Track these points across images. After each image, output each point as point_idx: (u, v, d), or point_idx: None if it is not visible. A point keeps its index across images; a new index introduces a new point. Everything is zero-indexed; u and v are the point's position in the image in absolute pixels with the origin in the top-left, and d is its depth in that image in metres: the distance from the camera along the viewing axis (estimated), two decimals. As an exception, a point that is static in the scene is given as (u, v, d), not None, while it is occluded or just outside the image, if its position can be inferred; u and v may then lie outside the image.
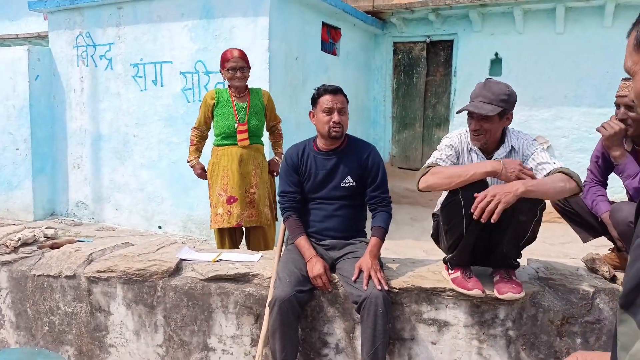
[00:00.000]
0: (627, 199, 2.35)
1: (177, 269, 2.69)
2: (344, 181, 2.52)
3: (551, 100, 7.30)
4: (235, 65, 3.30)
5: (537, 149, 2.23)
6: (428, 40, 8.08)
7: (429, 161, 2.30)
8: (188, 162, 3.59)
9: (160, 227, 6.18)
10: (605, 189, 2.50)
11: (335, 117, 2.44)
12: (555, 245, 5.54)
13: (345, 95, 2.52)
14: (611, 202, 2.40)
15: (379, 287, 2.19)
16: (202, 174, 3.57)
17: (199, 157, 3.59)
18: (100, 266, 2.78)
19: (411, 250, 5.48)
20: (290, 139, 4.46)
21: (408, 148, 8.67)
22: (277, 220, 3.58)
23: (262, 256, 2.82)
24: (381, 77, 8.54)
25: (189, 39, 5.64)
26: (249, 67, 3.41)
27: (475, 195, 2.01)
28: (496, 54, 7.57)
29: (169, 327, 2.68)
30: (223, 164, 3.41)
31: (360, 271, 2.28)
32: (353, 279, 2.27)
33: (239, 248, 3.52)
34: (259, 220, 3.44)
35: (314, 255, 2.38)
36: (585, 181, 2.53)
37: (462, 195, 2.10)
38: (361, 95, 8.19)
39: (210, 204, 3.51)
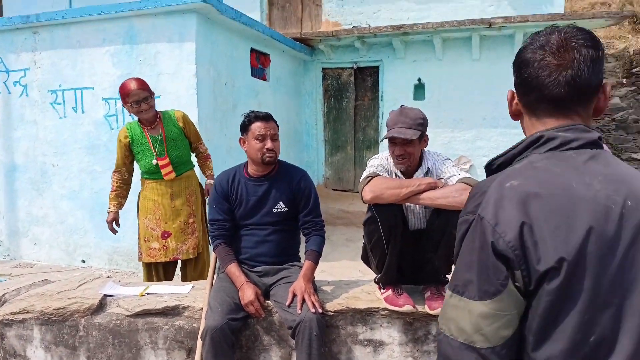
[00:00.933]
0: None
1: (101, 306, 2.53)
2: (275, 207, 2.50)
3: (471, 122, 7.75)
4: (138, 98, 3.05)
5: (446, 166, 2.34)
6: (355, 67, 8.35)
7: (368, 172, 2.31)
8: (108, 211, 3.33)
9: (83, 262, 5.81)
10: None
11: (269, 144, 2.44)
12: (482, 259, 5.81)
13: (275, 122, 2.53)
14: None
15: (313, 311, 2.17)
16: (111, 227, 3.30)
17: (118, 204, 3.33)
18: (14, 307, 2.56)
19: (347, 270, 5.52)
20: (222, 164, 4.39)
21: (341, 170, 8.82)
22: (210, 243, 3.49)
23: (193, 287, 2.72)
24: (312, 101, 8.69)
25: (111, 65, 5.45)
26: (152, 95, 3.17)
27: None
28: (419, 80, 7.95)
29: (92, 369, 2.50)
30: (152, 197, 3.27)
31: (294, 295, 2.26)
32: (287, 303, 2.24)
33: (171, 280, 3.38)
34: (196, 251, 3.34)
35: (245, 282, 2.33)
36: None
37: (377, 212, 2.16)
38: (293, 119, 8.26)
39: (139, 236, 3.33)
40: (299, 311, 2.18)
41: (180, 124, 3.32)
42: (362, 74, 8.44)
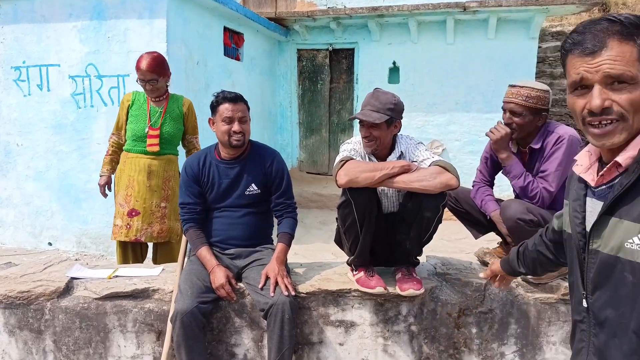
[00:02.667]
0: (514, 197, 2.55)
1: (67, 289, 2.47)
2: (248, 189, 2.47)
3: (444, 106, 7.81)
4: (144, 78, 3.08)
5: (419, 149, 2.35)
6: (330, 48, 8.28)
7: (342, 155, 2.29)
8: (100, 175, 3.32)
9: (50, 244, 5.66)
10: (492, 188, 2.70)
11: (236, 126, 2.37)
12: (452, 241, 5.90)
13: (246, 102, 2.46)
14: (499, 200, 2.59)
15: (286, 293, 2.17)
16: (102, 190, 3.31)
17: (112, 169, 3.31)
18: (-25, 291, 2.47)
19: (321, 253, 5.54)
20: (193, 145, 4.31)
21: (315, 153, 8.80)
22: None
23: (163, 269, 2.68)
24: (286, 83, 8.60)
25: (78, 41, 5.25)
26: (162, 76, 3.14)
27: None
28: (394, 63, 7.95)
29: (60, 352, 2.45)
30: (128, 172, 3.19)
31: (267, 278, 2.25)
32: (259, 286, 2.23)
33: (142, 263, 3.32)
34: (169, 236, 3.27)
35: (216, 265, 2.31)
36: (474, 181, 2.71)
37: (351, 196, 2.16)
38: (267, 101, 8.17)
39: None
40: (272, 294, 2.17)
41: (184, 109, 3.30)
42: (337, 56, 8.38)
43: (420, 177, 2.14)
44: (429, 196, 2.15)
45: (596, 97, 1.01)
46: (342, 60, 8.38)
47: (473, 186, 2.69)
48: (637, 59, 0.99)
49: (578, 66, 1.04)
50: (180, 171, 2.69)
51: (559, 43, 10.73)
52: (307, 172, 8.82)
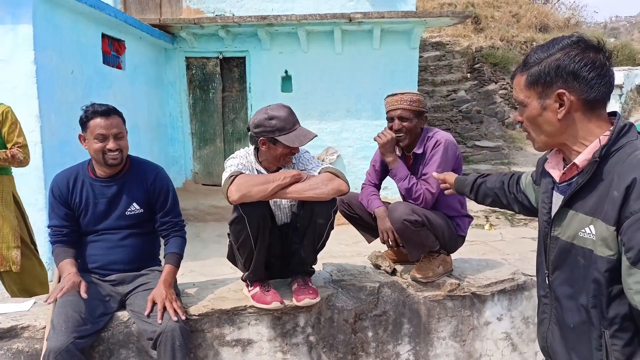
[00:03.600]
0: (401, 199, 2.65)
1: None
2: (129, 209, 2.28)
3: (337, 114, 8.03)
4: None
5: (307, 158, 2.38)
6: (221, 57, 8.12)
7: (230, 171, 2.20)
8: None
9: None
10: (379, 190, 2.79)
11: (111, 144, 2.16)
12: (350, 245, 6.05)
13: (120, 115, 2.25)
14: (386, 203, 2.68)
15: (175, 319, 2.03)
16: None
17: None
18: None
19: (219, 268, 5.35)
20: (71, 161, 3.93)
21: (210, 164, 8.55)
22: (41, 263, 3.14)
23: (34, 303, 2.39)
24: (176, 92, 8.27)
25: None
26: None
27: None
28: (286, 72, 8.00)
29: None
30: None
31: (154, 304, 2.09)
32: (146, 313, 2.07)
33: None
34: (7, 265, 2.93)
35: (74, 273, 2.07)
36: (363, 183, 2.80)
37: (244, 211, 2.10)
38: (155, 111, 7.78)
39: None
40: (160, 321, 2.02)
41: None
42: (228, 65, 8.24)
43: (312, 186, 2.14)
44: (320, 203, 2.16)
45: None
46: (234, 68, 8.25)
47: (362, 187, 2.78)
48: (525, 86, 1.28)
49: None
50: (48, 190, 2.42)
51: (438, 53, 11.58)
52: (203, 184, 8.55)
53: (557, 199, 1.34)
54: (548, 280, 1.38)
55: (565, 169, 1.31)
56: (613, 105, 11.24)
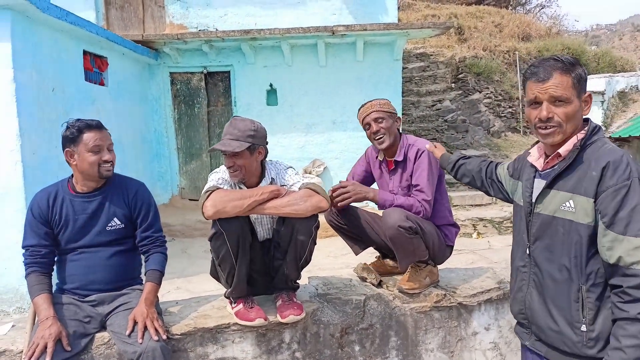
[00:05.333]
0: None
1: None
2: (109, 224, 2.24)
3: (323, 126, 8.04)
4: None
5: (288, 174, 2.35)
6: (205, 71, 8.11)
7: (208, 185, 2.19)
8: None
9: None
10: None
11: (107, 155, 2.19)
12: (339, 257, 6.02)
13: (107, 130, 2.28)
14: (376, 214, 2.67)
15: (156, 338, 1.98)
16: None
17: None
18: None
19: (206, 284, 5.28)
20: (53, 179, 3.87)
21: (197, 179, 8.49)
22: None
23: (13, 326, 2.33)
24: (160, 107, 8.23)
25: None
26: None
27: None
28: (271, 85, 8.01)
29: None
30: None
31: (135, 323, 2.04)
32: (127, 333, 2.01)
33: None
34: None
35: (52, 317, 2.02)
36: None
37: (222, 227, 2.08)
38: (140, 127, 7.73)
39: None
40: (140, 340, 1.97)
41: None
42: (213, 79, 8.23)
43: (291, 202, 2.12)
44: (301, 220, 2.14)
45: (544, 110, 1.53)
46: (219, 83, 8.24)
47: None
48: (571, 86, 1.50)
49: (533, 89, 1.55)
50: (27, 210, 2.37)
51: (423, 63, 11.68)
52: (190, 199, 8.47)
53: (539, 184, 1.66)
54: (529, 250, 1.67)
55: (549, 158, 1.63)
56: (595, 111, 11.41)
